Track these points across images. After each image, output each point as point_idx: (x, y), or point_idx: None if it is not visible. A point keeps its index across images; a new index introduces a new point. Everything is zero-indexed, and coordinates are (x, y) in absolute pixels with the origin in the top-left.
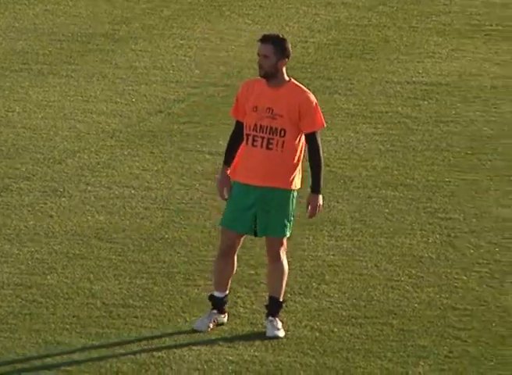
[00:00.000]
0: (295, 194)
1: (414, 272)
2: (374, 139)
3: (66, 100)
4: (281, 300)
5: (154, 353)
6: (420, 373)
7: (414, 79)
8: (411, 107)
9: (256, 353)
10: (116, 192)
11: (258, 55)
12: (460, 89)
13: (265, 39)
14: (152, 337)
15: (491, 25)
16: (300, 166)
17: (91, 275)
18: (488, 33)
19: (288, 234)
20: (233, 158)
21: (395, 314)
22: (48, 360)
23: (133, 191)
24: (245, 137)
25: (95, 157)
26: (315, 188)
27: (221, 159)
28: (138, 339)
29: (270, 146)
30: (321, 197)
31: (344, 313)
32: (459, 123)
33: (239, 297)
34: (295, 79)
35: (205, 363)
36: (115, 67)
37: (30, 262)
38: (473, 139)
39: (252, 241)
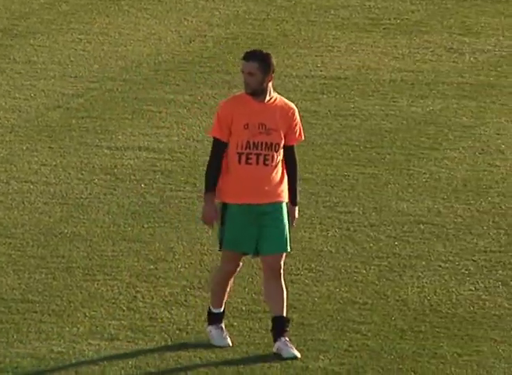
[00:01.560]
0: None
1: (313, 266)
2: None
3: None
4: (285, 316)
5: (54, 348)
6: (320, 367)
7: (312, 73)
8: (310, 101)
9: (156, 348)
10: (15, 187)
11: (243, 72)
12: (358, 83)
13: (249, 57)
14: (52, 332)
15: (389, 19)
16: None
17: None
18: (386, 27)
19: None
20: (216, 183)
21: (295, 308)
22: None
23: (31, 186)
24: (236, 155)
25: None
26: (296, 200)
27: (120, 154)
28: (38, 334)
29: (267, 162)
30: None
31: (244, 308)
32: (358, 117)
33: (138, 292)
34: (195, 73)
35: (105, 358)
36: (14, 62)
37: None
38: (372, 133)
39: (151, 236)
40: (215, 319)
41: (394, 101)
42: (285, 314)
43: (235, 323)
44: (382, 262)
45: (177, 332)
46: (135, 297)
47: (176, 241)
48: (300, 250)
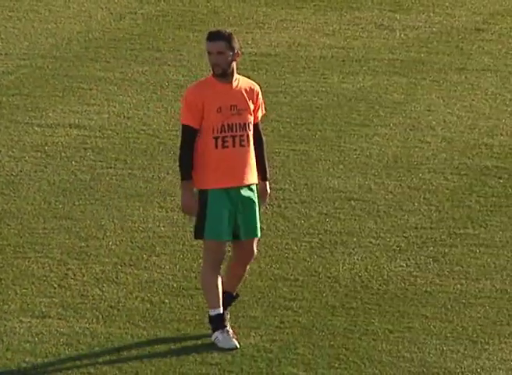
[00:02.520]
0: None
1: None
2: None
3: None
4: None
5: None
6: (251, 343)
7: (243, 50)
8: None
9: (87, 325)
10: None
11: (210, 53)
12: (289, 60)
13: (216, 36)
14: None
15: None
16: None
17: None
18: (316, 3)
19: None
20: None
21: None
22: None
23: None
24: (211, 140)
25: None
26: (267, 176)
27: (51, 131)
28: None
29: (243, 143)
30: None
31: (175, 285)
32: (288, 94)
33: (69, 269)
34: (126, 50)
35: (36, 336)
36: None
37: None
38: (302, 110)
39: (82, 213)
40: (217, 322)
41: (325, 78)
42: (235, 292)
43: (166, 300)
44: (313, 239)
45: (108, 309)
46: (66, 274)
47: (106, 218)
48: None
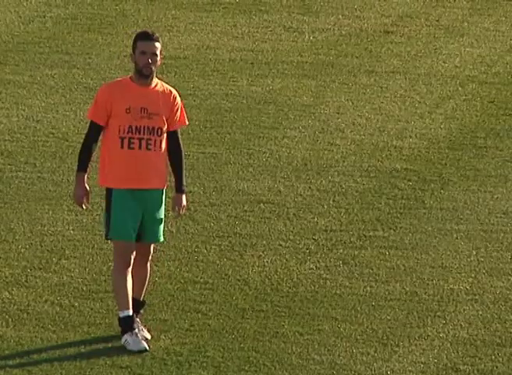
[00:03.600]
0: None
1: (154, 245)
2: None
3: None
4: (142, 300)
5: None
6: (161, 346)
7: None
8: None
9: None
10: None
11: (143, 53)
12: (198, 63)
13: (153, 37)
14: None
15: None
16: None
17: None
18: (225, 6)
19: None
20: (88, 164)
21: None
22: None
23: None
24: (118, 140)
25: None
26: (182, 187)
27: None
28: None
29: (149, 147)
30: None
31: (85, 288)
32: (197, 97)
33: None
34: (34, 54)
35: None
36: None
37: None
38: (212, 112)
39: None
40: (126, 324)
41: (234, 81)
42: (142, 298)
43: (76, 304)
44: (222, 242)
45: (18, 312)
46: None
47: (16, 221)
48: None
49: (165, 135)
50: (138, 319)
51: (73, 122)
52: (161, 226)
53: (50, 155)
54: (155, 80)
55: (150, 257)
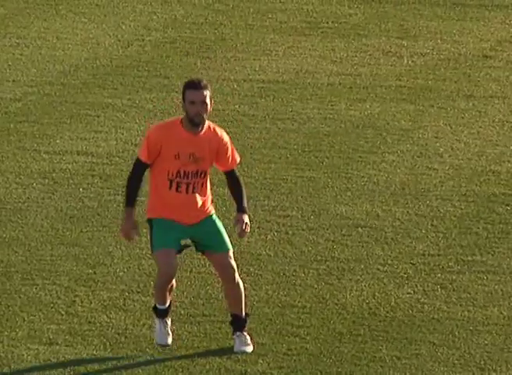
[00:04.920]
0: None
1: (252, 269)
2: None
3: None
4: (243, 314)
5: None
6: (259, 370)
7: (250, 77)
8: (248, 105)
9: (94, 352)
10: None
11: (193, 103)
12: (296, 87)
13: (201, 85)
14: None
15: (327, 23)
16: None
17: None
18: (324, 30)
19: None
20: (135, 199)
21: None
22: None
23: None
24: (167, 182)
25: None
26: (243, 207)
27: (58, 158)
28: None
29: (195, 190)
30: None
31: (183, 311)
32: (296, 121)
33: (77, 296)
34: (133, 77)
35: (44, 362)
36: None
37: None
38: (310, 137)
39: (89, 240)
40: (159, 313)
41: (332, 105)
42: (243, 313)
43: (173, 327)
44: (320, 266)
45: (116, 336)
46: (74, 301)
47: (114, 245)
48: (238, 254)
49: (208, 176)
50: (244, 333)
51: None
52: (224, 237)
53: (147, 179)
54: (206, 124)
55: (234, 270)
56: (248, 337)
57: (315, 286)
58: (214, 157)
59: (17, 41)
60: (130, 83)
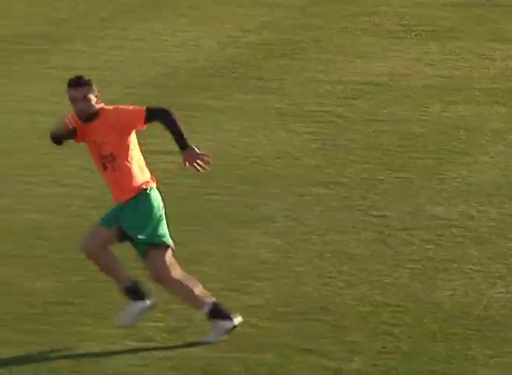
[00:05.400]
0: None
1: (346, 269)
2: (306, 138)
3: (3, 99)
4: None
5: (91, 349)
6: (353, 368)
7: (344, 78)
8: (343, 106)
9: (191, 349)
10: (54, 191)
11: (74, 100)
12: (390, 89)
13: (79, 82)
14: (89, 334)
15: (421, 25)
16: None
17: (28, 273)
18: (418, 33)
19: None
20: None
21: (328, 310)
22: None
23: (69, 190)
24: (100, 164)
25: (31, 156)
26: (183, 145)
27: (157, 158)
28: (75, 335)
29: (116, 170)
30: (194, 148)
31: (278, 310)
32: (390, 122)
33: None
34: (230, 79)
35: (141, 359)
36: (52, 67)
37: None
38: (404, 138)
39: (187, 238)
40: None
41: (426, 107)
42: (197, 308)
43: (268, 325)
44: (415, 265)
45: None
46: (170, 299)
47: (210, 243)
48: (332, 253)
49: (128, 157)
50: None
51: (267, 146)
52: (141, 223)
53: (244, 179)
54: (101, 113)
55: (154, 266)
56: (215, 326)
57: (409, 285)
58: (121, 132)
59: (117, 42)
60: (227, 84)
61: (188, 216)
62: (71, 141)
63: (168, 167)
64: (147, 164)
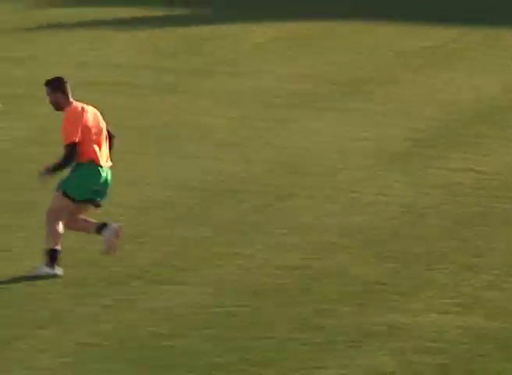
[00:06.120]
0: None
1: None
2: None
3: (337, 129)
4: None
5: (400, 319)
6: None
7: None
8: None
9: (477, 320)
10: (373, 199)
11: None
12: None
13: (46, 82)
14: (398, 308)
15: None
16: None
17: (354, 260)
18: None
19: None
20: None
21: None
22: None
23: (386, 199)
24: None
25: (359, 172)
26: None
27: (453, 173)
28: (388, 309)
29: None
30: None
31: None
32: None
33: (464, 278)
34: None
35: (439, 328)
36: (375, 104)
37: (309, 250)
38: None
39: (474, 236)
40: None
41: None
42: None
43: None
44: None
45: (497, 309)
46: (462, 280)
47: (496, 241)
48: None
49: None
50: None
51: None
52: (64, 180)
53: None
54: (66, 109)
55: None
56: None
57: None
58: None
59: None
60: (507, 119)
61: (476, 219)
62: (385, 162)
63: (462, 181)
64: (448, 179)
